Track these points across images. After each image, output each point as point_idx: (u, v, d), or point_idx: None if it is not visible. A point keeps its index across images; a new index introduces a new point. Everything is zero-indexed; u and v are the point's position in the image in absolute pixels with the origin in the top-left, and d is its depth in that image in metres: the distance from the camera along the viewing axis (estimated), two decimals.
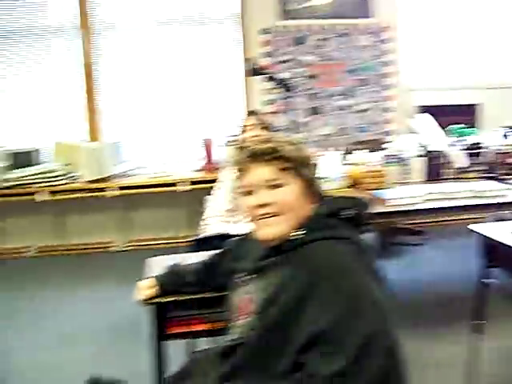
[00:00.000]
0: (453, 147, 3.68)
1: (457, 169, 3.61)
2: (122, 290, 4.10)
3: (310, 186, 1.50)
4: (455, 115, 4.52)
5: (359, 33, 5.35)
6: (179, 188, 4.95)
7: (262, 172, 1.47)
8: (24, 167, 4.94)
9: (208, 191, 4.75)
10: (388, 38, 5.38)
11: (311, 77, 5.35)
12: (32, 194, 4.88)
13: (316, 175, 1.55)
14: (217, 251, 1.94)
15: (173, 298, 1.92)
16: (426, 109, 4.44)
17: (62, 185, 4.90)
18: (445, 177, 3.59)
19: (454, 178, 3.56)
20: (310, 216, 1.46)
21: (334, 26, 5.31)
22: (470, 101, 5.14)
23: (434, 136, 3.81)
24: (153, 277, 1.97)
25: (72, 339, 3.41)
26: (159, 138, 5.42)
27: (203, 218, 3.14)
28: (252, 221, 1.51)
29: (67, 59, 5.34)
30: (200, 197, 5.00)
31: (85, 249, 5.31)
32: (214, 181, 4.78)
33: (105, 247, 5.35)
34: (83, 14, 5.25)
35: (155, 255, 2.37)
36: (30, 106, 5.34)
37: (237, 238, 1.86)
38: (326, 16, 5.30)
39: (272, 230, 1.45)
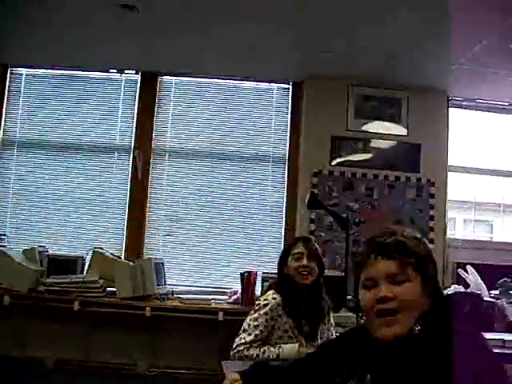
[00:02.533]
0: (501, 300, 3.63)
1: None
2: None
3: (431, 283, 1.45)
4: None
5: (406, 185, 5.45)
6: (212, 317, 4.82)
7: (386, 265, 1.43)
8: (62, 273, 4.89)
9: (241, 324, 4.68)
10: (433, 193, 5.47)
11: (355, 224, 5.39)
12: (63, 302, 4.80)
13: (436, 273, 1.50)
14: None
15: None
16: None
17: (95, 297, 4.83)
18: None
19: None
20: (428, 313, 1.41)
21: (383, 176, 5.43)
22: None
23: (482, 288, 3.77)
24: (237, 372, 1.87)
25: None
26: (199, 263, 5.45)
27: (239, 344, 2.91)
28: (368, 317, 1.45)
29: (118, 176, 5.56)
30: (232, 329, 4.96)
31: (106, 368, 5.09)
32: (247, 313, 4.78)
33: (127, 369, 5.11)
34: (139, 136, 5.52)
35: None
36: (74, 214, 5.50)
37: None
38: (375, 166, 5.44)
39: (393, 329, 1.39)
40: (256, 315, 2.86)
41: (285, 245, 3.11)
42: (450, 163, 5.59)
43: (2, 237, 5.16)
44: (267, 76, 5.59)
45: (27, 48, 5.20)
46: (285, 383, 1.82)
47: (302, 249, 2.97)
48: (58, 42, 4.99)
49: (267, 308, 2.84)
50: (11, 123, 5.58)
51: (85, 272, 4.99)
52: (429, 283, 1.45)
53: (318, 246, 3.12)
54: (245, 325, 2.90)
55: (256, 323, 2.83)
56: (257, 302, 2.95)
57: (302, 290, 2.94)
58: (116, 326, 5.10)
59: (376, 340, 1.44)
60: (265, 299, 2.89)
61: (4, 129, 5.57)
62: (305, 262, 2.92)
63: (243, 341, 2.81)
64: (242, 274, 4.98)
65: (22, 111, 5.59)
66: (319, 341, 2.92)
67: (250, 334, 2.82)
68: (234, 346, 2.83)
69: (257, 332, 2.81)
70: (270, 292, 2.92)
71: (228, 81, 5.66)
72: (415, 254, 1.44)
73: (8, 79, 5.59)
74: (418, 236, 1.52)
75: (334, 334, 3.05)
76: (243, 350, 2.78)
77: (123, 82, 5.62)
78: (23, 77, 5.62)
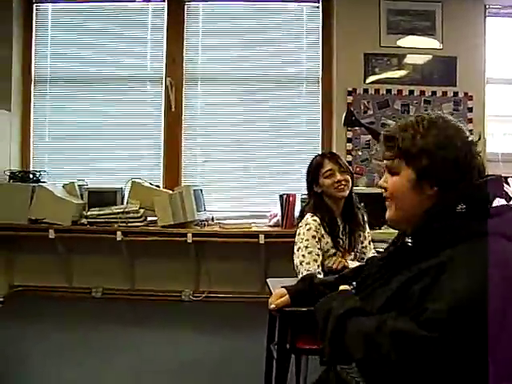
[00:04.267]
0: None
1: None
2: (189, 337, 4.07)
3: (433, 182, 1.42)
4: None
5: (443, 100, 5.32)
6: (252, 240, 4.87)
7: (386, 156, 1.51)
8: (102, 206, 4.98)
9: (283, 246, 4.71)
10: (471, 106, 5.33)
11: None
12: (105, 233, 4.90)
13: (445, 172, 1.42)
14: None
15: (305, 308, 1.82)
16: None
17: (136, 227, 4.90)
18: None
19: None
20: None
21: (419, 91, 5.31)
22: None
23: None
24: (284, 286, 1.90)
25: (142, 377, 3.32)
26: (237, 188, 5.49)
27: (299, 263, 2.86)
28: None
29: (151, 106, 5.58)
30: (275, 252, 5.01)
31: (152, 295, 5.20)
32: (289, 235, 4.78)
33: (173, 296, 5.22)
34: (170, 65, 5.47)
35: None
36: (111, 147, 5.56)
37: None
38: (411, 82, 5.32)
39: (387, 213, 1.52)
40: (304, 241, 2.81)
41: (310, 167, 2.98)
42: (488, 75, 5.42)
43: (42, 173, 5.23)
44: None
45: None
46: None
47: (331, 165, 2.91)
48: None
49: (312, 231, 2.80)
50: (42, 60, 5.58)
51: (125, 203, 5.06)
52: (429, 181, 1.42)
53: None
54: (297, 248, 2.84)
55: (309, 249, 2.78)
56: (298, 231, 2.89)
57: (338, 205, 2.92)
58: (158, 254, 5.20)
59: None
60: (306, 223, 2.84)
61: (35, 66, 5.58)
62: (339, 176, 2.87)
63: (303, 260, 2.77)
64: (280, 197, 4.99)
65: (51, 47, 5.59)
66: (359, 249, 2.94)
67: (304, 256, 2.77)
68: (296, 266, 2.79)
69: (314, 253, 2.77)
70: (308, 215, 2.88)
71: (256, 3, 5.53)
72: (406, 149, 1.43)
73: (34, 15, 5.56)
74: (421, 130, 1.44)
75: (371, 244, 3.05)
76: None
77: (150, 10, 5.54)
78: (49, 12, 5.58)
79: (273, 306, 1.92)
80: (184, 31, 5.48)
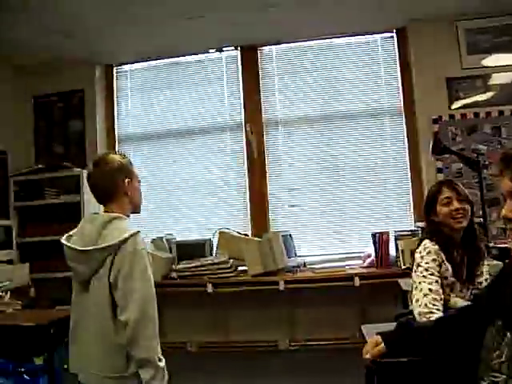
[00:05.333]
0: None
1: None
2: None
3: None
4: None
5: None
6: (347, 283, 4.67)
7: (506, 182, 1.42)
8: (191, 258, 4.96)
9: (378, 288, 4.49)
10: None
11: (485, 167, 5.00)
12: (195, 286, 4.86)
13: None
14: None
15: (405, 359, 1.65)
16: None
17: (226, 277, 4.83)
18: None
19: None
20: None
21: (510, 111, 5.00)
22: None
23: None
24: (379, 333, 1.73)
25: None
26: (327, 230, 5.34)
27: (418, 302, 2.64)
28: None
29: (233, 154, 5.58)
30: (370, 293, 4.81)
31: (247, 346, 5.08)
32: (384, 276, 4.58)
33: (268, 346, 5.09)
34: (248, 111, 5.50)
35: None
36: (196, 199, 5.58)
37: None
38: (499, 102, 5.04)
39: None
40: (424, 264, 2.64)
41: (428, 194, 2.83)
42: None
43: None
44: (368, 28, 5.33)
45: (128, 45, 5.38)
46: (429, 343, 1.68)
47: (449, 193, 2.75)
48: (157, 34, 5.11)
49: (432, 254, 2.63)
50: (123, 119, 5.77)
51: (214, 254, 5.02)
52: None
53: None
54: (416, 281, 2.65)
55: (429, 271, 2.60)
56: (416, 256, 2.72)
57: (456, 235, 2.72)
58: (250, 303, 5.11)
59: None
60: (425, 248, 2.67)
61: (118, 125, 5.77)
62: (456, 205, 2.70)
63: (424, 305, 2.56)
64: (373, 235, 4.80)
65: (131, 106, 5.77)
66: (476, 283, 2.71)
67: (426, 292, 2.57)
68: (416, 314, 2.59)
69: (434, 281, 2.58)
70: (426, 241, 2.71)
71: (329, 40, 5.46)
72: None
73: (115, 78, 5.77)
74: None
75: (487, 277, 2.81)
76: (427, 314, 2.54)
77: (224, 59, 5.61)
78: (128, 73, 5.77)
79: (367, 356, 1.78)
80: (259, 76, 5.50)
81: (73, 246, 2.15)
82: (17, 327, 2.49)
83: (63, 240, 2.22)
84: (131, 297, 2.06)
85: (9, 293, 2.77)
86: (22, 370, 3.89)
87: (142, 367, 2.08)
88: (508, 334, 1.35)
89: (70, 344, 2.25)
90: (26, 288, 5.01)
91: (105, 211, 2.28)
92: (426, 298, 2.50)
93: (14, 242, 5.22)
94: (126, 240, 2.08)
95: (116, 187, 2.26)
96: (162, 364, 2.14)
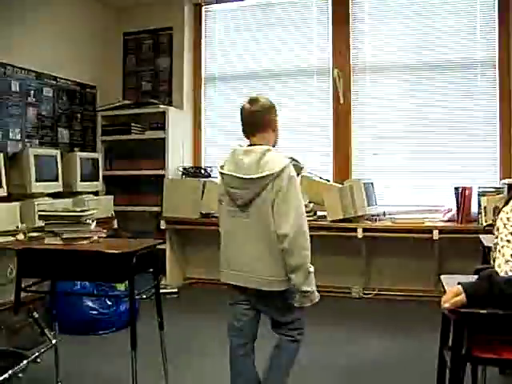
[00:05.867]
0: None
1: None
2: (358, 335, 4.00)
3: None
4: None
5: None
6: (426, 236, 4.63)
7: None
8: None
9: (458, 243, 4.40)
10: None
11: None
12: None
13: None
14: None
15: (484, 311, 1.63)
16: None
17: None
18: None
19: None
20: None
21: None
22: None
23: None
24: (460, 283, 1.71)
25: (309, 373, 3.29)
26: (409, 181, 5.28)
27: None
28: None
29: (319, 99, 5.55)
30: (449, 248, 4.76)
31: (320, 291, 5.10)
32: (465, 231, 4.51)
33: (342, 292, 5.12)
34: (336, 56, 5.42)
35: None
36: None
37: None
38: None
39: None
40: (510, 228, 2.53)
41: None
42: None
43: (214, 168, 5.39)
44: None
45: None
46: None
47: None
48: None
49: None
50: (211, 60, 5.82)
51: None
52: None
53: None
54: (500, 244, 2.56)
55: None
56: (503, 215, 2.60)
57: None
58: (327, 249, 5.08)
59: None
60: None
61: (206, 65, 5.83)
62: None
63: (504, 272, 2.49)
64: (456, 190, 4.70)
65: (218, 45, 5.80)
66: None
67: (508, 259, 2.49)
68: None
69: None
70: None
71: None
72: None
73: (203, 17, 5.78)
74: None
75: None
76: None
77: (314, 2, 5.51)
78: (216, 13, 5.77)
79: (446, 305, 1.70)
80: (349, 20, 5.39)
81: (238, 175, 2.43)
82: (101, 254, 2.61)
83: (224, 171, 2.51)
84: (289, 214, 2.37)
85: (95, 221, 2.93)
86: (106, 294, 4.12)
87: (294, 272, 2.42)
88: None
89: (228, 260, 2.56)
90: (109, 219, 5.23)
91: (251, 144, 2.53)
92: (507, 266, 2.40)
93: (101, 174, 5.42)
94: (283, 169, 2.38)
95: (268, 122, 2.55)
96: (312, 269, 2.48)
